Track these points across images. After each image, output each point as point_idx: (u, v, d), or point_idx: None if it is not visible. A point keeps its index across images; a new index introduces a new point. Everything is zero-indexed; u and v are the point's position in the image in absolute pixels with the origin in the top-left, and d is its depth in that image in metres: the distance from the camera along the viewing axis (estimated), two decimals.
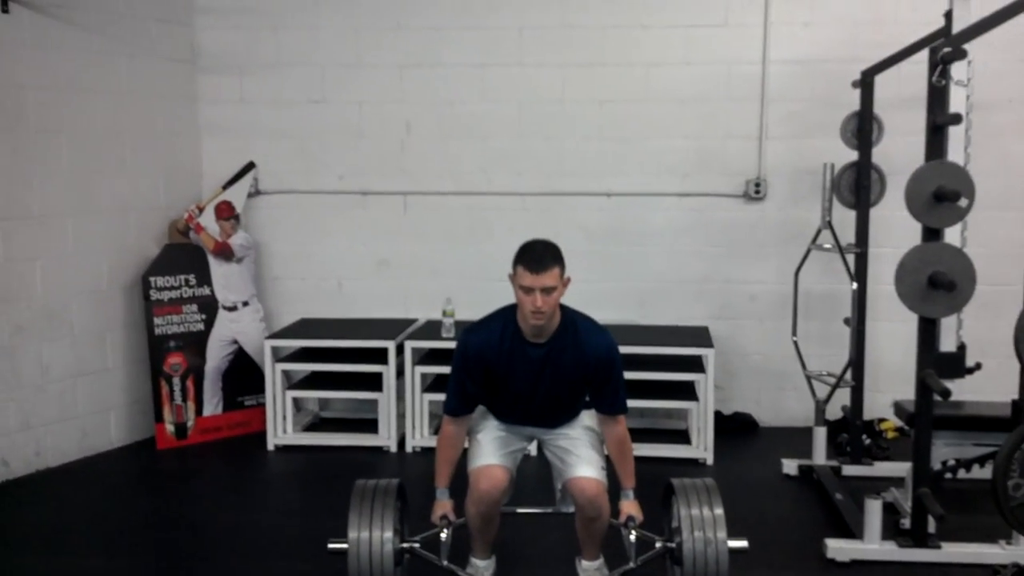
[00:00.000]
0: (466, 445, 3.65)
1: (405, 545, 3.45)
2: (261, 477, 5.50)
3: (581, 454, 3.51)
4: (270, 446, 5.74)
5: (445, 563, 3.41)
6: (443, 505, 3.52)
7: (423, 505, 3.60)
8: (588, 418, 3.65)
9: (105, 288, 5.71)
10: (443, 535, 3.43)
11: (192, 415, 5.86)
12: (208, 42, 6.24)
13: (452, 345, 3.84)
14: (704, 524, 3.28)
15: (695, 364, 5.54)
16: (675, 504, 3.44)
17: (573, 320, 3.44)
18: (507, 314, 3.45)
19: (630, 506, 3.52)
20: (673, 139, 6.10)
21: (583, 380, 3.46)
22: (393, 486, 3.49)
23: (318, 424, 6.23)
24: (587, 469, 3.47)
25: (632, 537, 3.40)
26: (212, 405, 5.93)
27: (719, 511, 3.33)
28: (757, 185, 6.03)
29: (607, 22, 6.05)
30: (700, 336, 5.78)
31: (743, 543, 3.33)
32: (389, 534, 3.31)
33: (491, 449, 3.53)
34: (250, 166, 6.22)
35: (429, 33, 6.16)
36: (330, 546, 3.36)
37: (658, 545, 3.45)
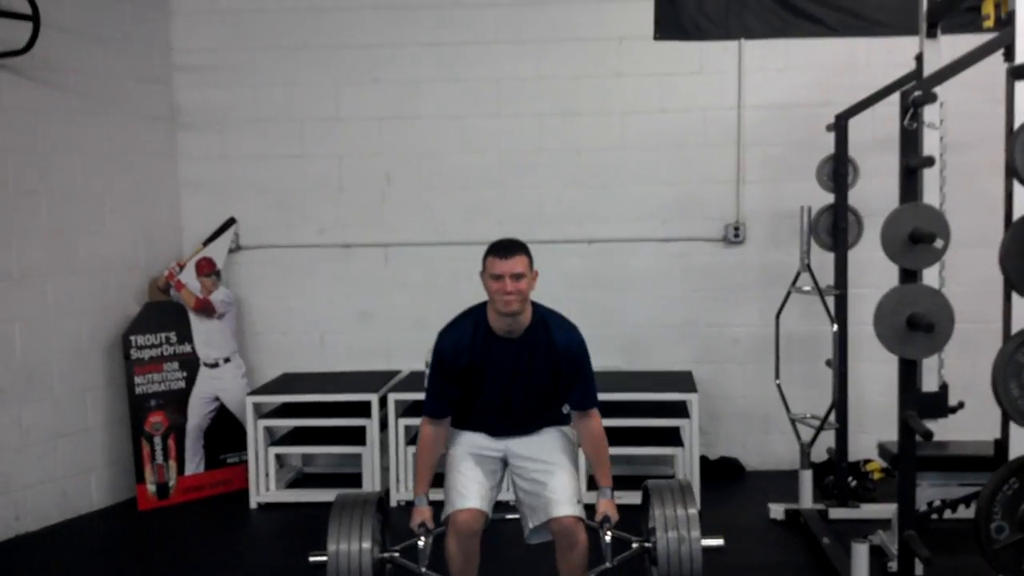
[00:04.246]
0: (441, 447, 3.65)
1: (385, 555, 3.45)
2: (244, 536, 5.43)
3: (555, 487, 3.46)
4: (253, 504, 5.67)
5: (424, 570, 3.41)
6: (422, 512, 3.53)
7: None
8: (559, 434, 3.64)
9: (85, 348, 5.67)
10: (421, 542, 3.44)
11: (174, 474, 5.79)
12: (187, 100, 6.27)
13: None
14: (678, 523, 3.33)
15: (680, 409, 5.52)
16: (651, 506, 3.44)
17: (543, 317, 3.52)
18: (477, 313, 3.53)
19: (606, 504, 3.53)
20: (651, 185, 6.14)
21: (556, 375, 3.49)
22: (373, 498, 3.52)
23: (301, 480, 6.16)
24: (563, 508, 3.43)
25: (607, 538, 3.41)
26: (194, 464, 5.87)
27: (693, 511, 3.39)
28: (736, 229, 6.06)
29: (582, 72, 6.12)
30: (684, 381, 5.76)
31: (719, 541, 3.39)
32: (368, 544, 3.34)
33: (467, 491, 3.48)
34: (230, 222, 6.22)
35: (407, 86, 6.21)
36: (311, 559, 3.41)
37: (634, 546, 3.46)
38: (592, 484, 3.64)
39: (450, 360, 3.49)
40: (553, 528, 3.46)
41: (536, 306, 3.52)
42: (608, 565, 3.39)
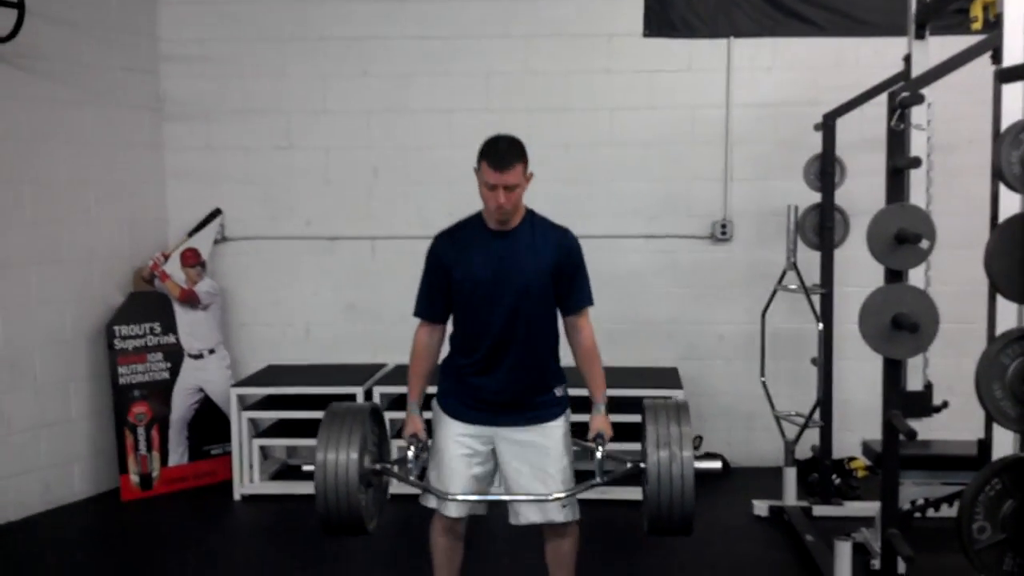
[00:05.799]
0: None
1: (376, 466, 3.36)
2: (227, 528, 5.41)
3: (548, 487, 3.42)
4: (236, 496, 5.65)
5: (412, 478, 3.38)
6: (414, 421, 3.52)
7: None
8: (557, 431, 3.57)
9: (69, 338, 5.63)
10: (411, 452, 3.42)
11: (157, 465, 5.77)
12: (174, 90, 6.23)
13: None
14: (671, 441, 3.18)
15: None
16: (645, 424, 3.34)
17: (537, 216, 3.49)
18: (473, 216, 3.53)
19: (600, 421, 3.49)
20: (639, 182, 6.14)
21: (551, 265, 3.41)
22: (366, 408, 3.42)
23: (285, 472, 6.14)
24: (557, 514, 3.45)
25: (599, 454, 3.36)
26: (177, 455, 5.85)
27: (687, 428, 3.21)
28: (723, 226, 6.07)
29: (571, 68, 6.12)
30: (669, 377, 5.77)
31: (716, 464, 3.37)
32: (355, 455, 3.22)
33: (453, 480, 3.45)
34: (216, 213, 6.19)
35: (396, 80, 6.19)
36: (304, 468, 3.34)
37: (629, 465, 3.35)
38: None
39: (443, 252, 3.48)
40: (544, 528, 3.51)
41: (528, 209, 3.49)
42: (598, 480, 3.31)
